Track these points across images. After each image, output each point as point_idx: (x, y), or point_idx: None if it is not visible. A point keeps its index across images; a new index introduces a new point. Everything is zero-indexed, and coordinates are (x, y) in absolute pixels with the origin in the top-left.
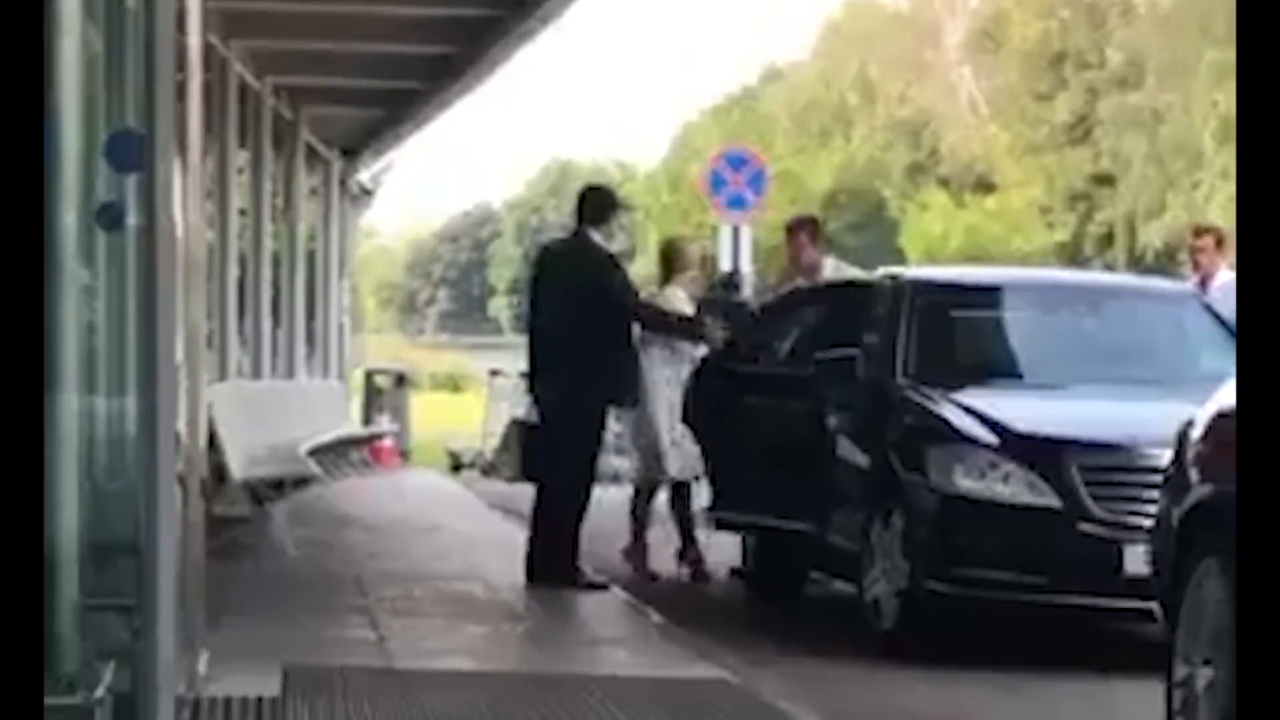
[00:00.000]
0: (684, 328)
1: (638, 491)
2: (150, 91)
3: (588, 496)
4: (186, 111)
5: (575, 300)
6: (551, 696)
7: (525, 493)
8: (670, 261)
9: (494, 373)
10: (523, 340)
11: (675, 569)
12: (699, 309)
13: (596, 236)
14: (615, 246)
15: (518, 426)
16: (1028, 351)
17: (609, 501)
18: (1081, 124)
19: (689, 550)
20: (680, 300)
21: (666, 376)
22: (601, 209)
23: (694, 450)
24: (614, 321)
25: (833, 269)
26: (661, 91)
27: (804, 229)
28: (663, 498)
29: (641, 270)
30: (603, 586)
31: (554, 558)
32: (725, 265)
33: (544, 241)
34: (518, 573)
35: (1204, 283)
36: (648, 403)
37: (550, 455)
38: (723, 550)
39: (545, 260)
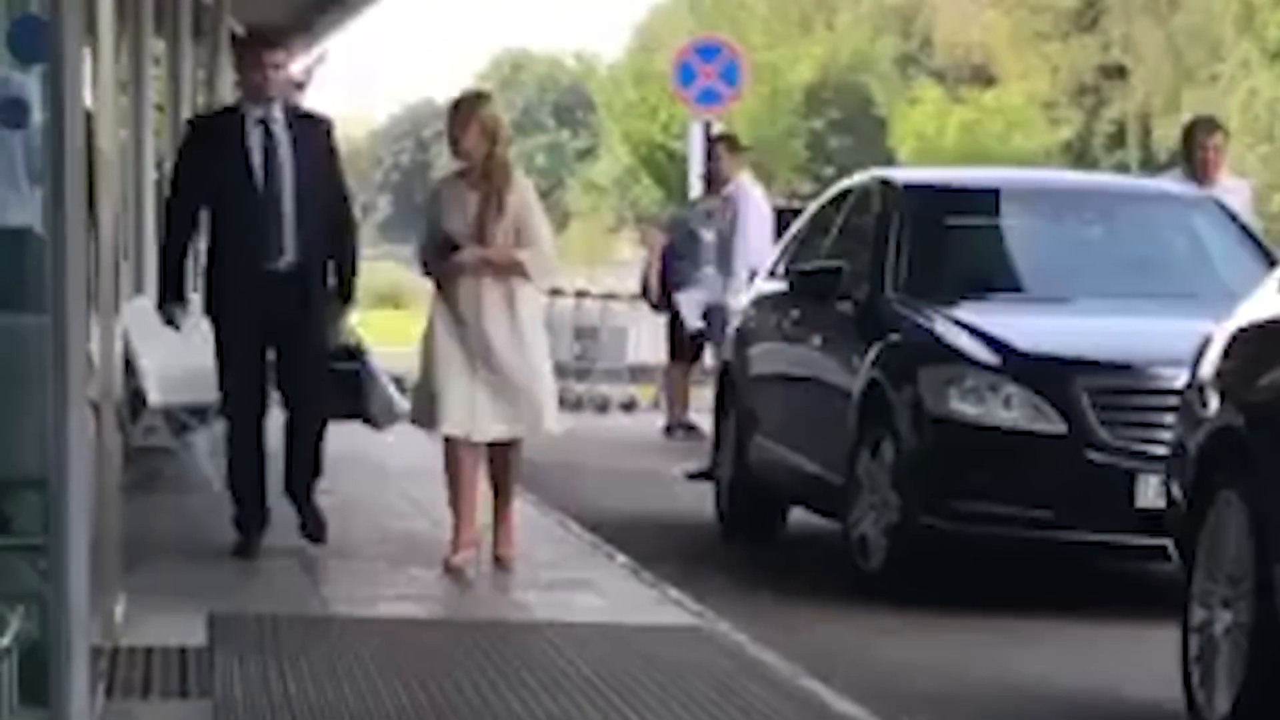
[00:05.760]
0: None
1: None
2: None
3: (230, 417)
4: None
5: None
6: (504, 645)
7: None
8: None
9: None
10: None
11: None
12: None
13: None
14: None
15: None
16: (1030, 262)
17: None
18: (1089, 10)
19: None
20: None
21: (480, 302)
22: None
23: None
24: None
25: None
26: None
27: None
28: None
29: (608, 171)
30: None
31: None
32: (695, 166)
33: None
34: None
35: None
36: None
37: None
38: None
39: None
